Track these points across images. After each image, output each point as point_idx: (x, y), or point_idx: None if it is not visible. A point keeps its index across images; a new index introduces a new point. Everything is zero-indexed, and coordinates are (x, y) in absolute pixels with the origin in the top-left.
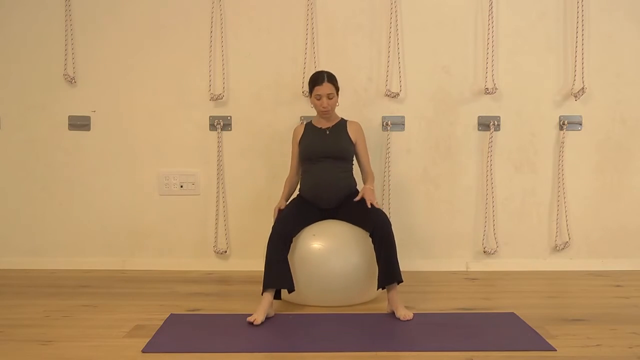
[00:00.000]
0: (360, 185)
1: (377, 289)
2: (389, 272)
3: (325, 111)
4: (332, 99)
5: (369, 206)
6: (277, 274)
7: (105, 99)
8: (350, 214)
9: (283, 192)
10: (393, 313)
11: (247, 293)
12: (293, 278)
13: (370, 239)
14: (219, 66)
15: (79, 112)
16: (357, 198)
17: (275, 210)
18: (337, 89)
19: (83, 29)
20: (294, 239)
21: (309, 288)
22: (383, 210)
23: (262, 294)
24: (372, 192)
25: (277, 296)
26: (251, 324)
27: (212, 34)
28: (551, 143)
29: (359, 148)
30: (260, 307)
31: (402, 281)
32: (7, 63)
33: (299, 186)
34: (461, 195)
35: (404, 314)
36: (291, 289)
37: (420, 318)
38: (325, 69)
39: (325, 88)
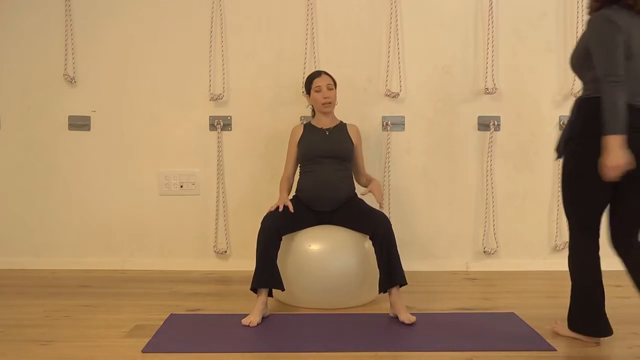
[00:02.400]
0: (359, 190)
1: (379, 293)
2: (390, 275)
3: (326, 102)
4: (331, 89)
5: (380, 205)
6: (269, 272)
7: (105, 99)
8: (349, 217)
9: (283, 189)
10: (396, 317)
11: (247, 293)
12: (286, 279)
13: (371, 242)
14: (219, 66)
15: (79, 112)
16: (365, 192)
17: (277, 206)
18: (335, 85)
19: (83, 29)
20: (289, 241)
21: (305, 291)
22: (384, 212)
23: (254, 292)
24: (381, 189)
25: (269, 294)
26: (247, 326)
27: (212, 34)
28: (551, 143)
29: (357, 151)
30: (255, 309)
31: (405, 284)
32: (7, 63)
33: (295, 187)
34: (461, 195)
35: (408, 317)
36: (282, 289)
37: (420, 318)
38: (325, 69)
39: (324, 79)
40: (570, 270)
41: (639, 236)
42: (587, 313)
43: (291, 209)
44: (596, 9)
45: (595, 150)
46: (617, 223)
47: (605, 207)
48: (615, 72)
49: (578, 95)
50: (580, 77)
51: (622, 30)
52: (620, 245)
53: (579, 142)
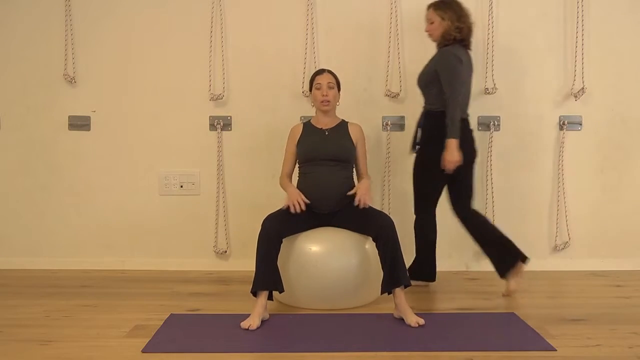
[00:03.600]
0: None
1: (382, 293)
2: (394, 276)
3: (325, 101)
4: (332, 88)
5: (356, 203)
6: (269, 275)
7: (105, 99)
8: (350, 219)
9: (289, 184)
10: (401, 318)
11: (247, 293)
12: (288, 281)
13: (372, 243)
14: (219, 66)
15: (79, 112)
16: (351, 192)
17: (288, 205)
18: (339, 85)
19: (83, 29)
20: (290, 243)
21: (306, 292)
22: (386, 213)
23: (254, 295)
24: (368, 189)
25: (269, 297)
26: (247, 329)
27: (212, 34)
28: (551, 143)
29: (359, 151)
30: (255, 312)
31: (409, 285)
32: (7, 63)
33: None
34: None
35: (415, 320)
36: (282, 290)
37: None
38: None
39: (325, 77)
40: (417, 233)
41: (472, 205)
42: (428, 264)
43: (303, 205)
44: (444, 45)
45: (440, 151)
46: (456, 198)
47: (442, 189)
48: (457, 95)
49: (425, 108)
50: (426, 93)
51: (462, 63)
52: (460, 213)
53: (428, 144)
